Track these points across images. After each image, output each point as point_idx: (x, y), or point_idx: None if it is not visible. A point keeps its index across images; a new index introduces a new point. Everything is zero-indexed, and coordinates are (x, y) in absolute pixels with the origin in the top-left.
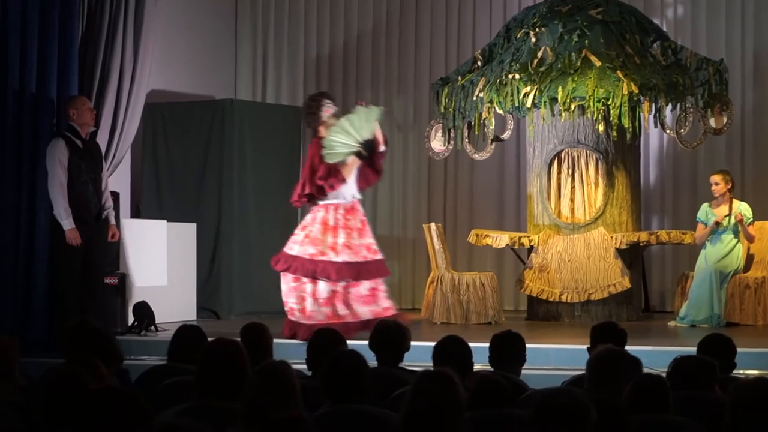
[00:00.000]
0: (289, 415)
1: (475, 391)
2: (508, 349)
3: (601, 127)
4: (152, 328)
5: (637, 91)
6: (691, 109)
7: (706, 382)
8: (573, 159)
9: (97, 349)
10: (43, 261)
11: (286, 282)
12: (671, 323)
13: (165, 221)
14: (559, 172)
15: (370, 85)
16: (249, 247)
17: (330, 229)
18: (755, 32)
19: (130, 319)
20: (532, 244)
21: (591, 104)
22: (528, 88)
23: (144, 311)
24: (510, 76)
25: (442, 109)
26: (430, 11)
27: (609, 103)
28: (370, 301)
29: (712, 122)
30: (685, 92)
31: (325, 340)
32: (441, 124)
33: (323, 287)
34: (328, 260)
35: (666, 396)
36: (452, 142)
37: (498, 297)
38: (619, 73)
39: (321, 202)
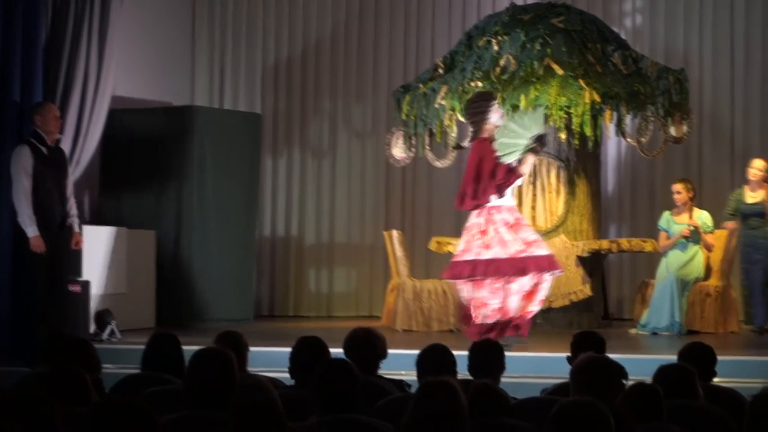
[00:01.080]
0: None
1: (473, 399)
2: (488, 357)
3: (563, 135)
4: (114, 335)
5: (599, 100)
6: (652, 118)
7: (691, 390)
8: (534, 167)
9: (78, 358)
10: (6, 269)
11: (483, 287)
12: (632, 330)
13: (124, 228)
14: None
15: (328, 92)
16: (209, 253)
17: (514, 226)
18: (713, 41)
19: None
20: None
21: (553, 112)
22: None
23: (107, 318)
24: (472, 84)
25: (404, 117)
26: (389, 19)
27: (571, 111)
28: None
29: (673, 131)
30: (646, 101)
31: (309, 348)
32: (402, 132)
33: (527, 281)
34: (532, 255)
35: (660, 404)
36: (413, 149)
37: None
38: (581, 81)
39: (489, 204)
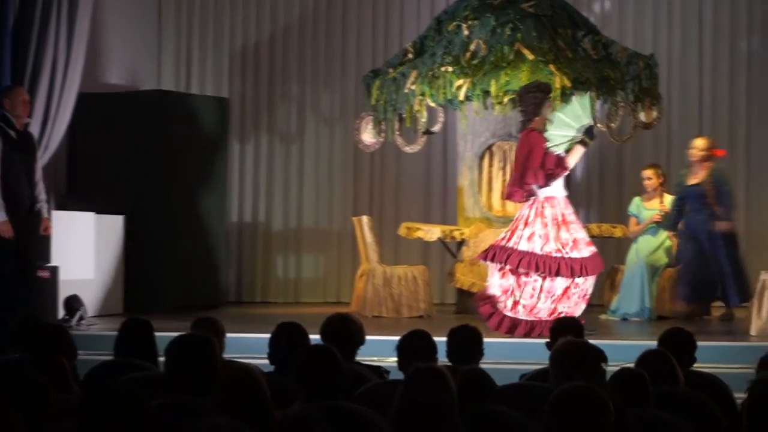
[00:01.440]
0: (297, 415)
1: (462, 386)
2: (467, 343)
3: None
4: (83, 321)
5: (569, 85)
6: (622, 104)
7: (673, 376)
8: (504, 152)
9: (54, 343)
10: None
11: (512, 278)
12: (602, 316)
13: (93, 213)
14: (491, 165)
15: (296, 77)
16: (177, 239)
17: (561, 224)
18: (681, 27)
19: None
20: (463, 237)
21: None
22: (461, 81)
23: (75, 304)
24: (443, 69)
25: (373, 102)
26: (357, 3)
27: None
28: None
29: (642, 116)
30: (616, 86)
31: (289, 334)
32: (372, 117)
33: (560, 283)
34: (569, 257)
35: (647, 389)
36: (383, 134)
37: (430, 290)
38: (551, 66)
39: (542, 196)
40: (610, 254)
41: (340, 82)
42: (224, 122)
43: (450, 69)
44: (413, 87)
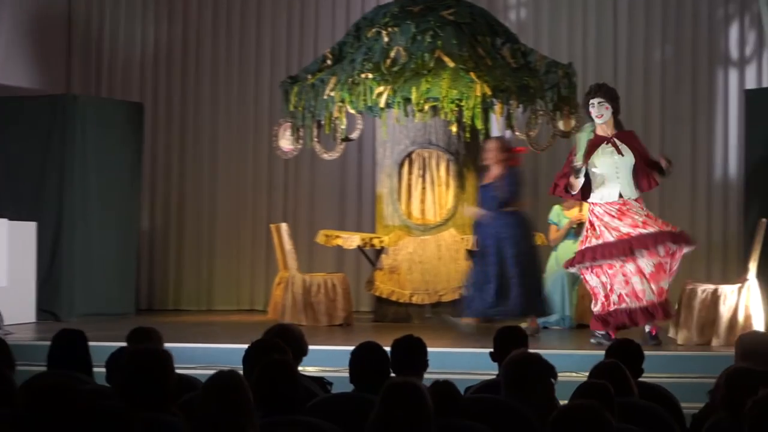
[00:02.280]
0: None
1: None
2: (411, 354)
3: (454, 129)
4: (3, 330)
5: (489, 93)
6: (541, 112)
7: (627, 387)
8: (424, 160)
9: None
10: None
11: (600, 274)
12: (523, 325)
13: (5, 219)
14: (410, 173)
15: (209, 82)
16: (90, 246)
17: (620, 215)
18: (597, 36)
19: None
20: (383, 245)
21: (445, 105)
22: (381, 88)
23: None
24: (363, 76)
25: (292, 108)
26: (272, 7)
27: (462, 104)
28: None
29: (561, 125)
30: (536, 95)
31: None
32: (290, 123)
33: (645, 262)
34: (637, 233)
35: (613, 402)
36: (301, 141)
37: (350, 298)
38: (472, 74)
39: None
40: None
41: (254, 87)
42: (140, 127)
43: (370, 76)
44: (332, 93)
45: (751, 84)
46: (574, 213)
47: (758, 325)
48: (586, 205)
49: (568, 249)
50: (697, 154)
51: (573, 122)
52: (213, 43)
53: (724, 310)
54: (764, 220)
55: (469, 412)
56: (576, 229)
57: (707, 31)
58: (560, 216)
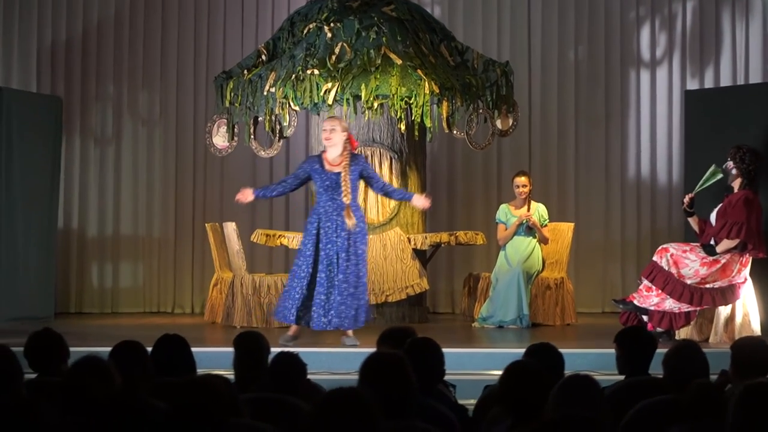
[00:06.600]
0: None
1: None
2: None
3: (403, 126)
4: None
5: (437, 91)
6: (480, 110)
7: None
8: (367, 158)
9: None
10: None
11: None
12: (475, 324)
13: None
14: None
15: (111, 77)
16: (14, 248)
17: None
18: (511, 35)
19: None
20: None
21: (395, 103)
22: (329, 85)
23: None
24: (309, 72)
25: (227, 104)
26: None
27: (411, 102)
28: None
29: (499, 123)
30: (477, 93)
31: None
32: (224, 120)
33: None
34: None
35: (597, 395)
36: (236, 138)
37: None
38: (420, 72)
39: None
40: (458, 261)
41: (160, 83)
42: (58, 123)
43: (317, 72)
44: (273, 90)
45: (662, 86)
46: (522, 212)
47: (755, 322)
48: (533, 205)
49: (518, 247)
50: (610, 155)
51: (510, 121)
52: (116, 35)
53: (722, 308)
54: None
55: None
56: (525, 227)
57: (619, 32)
58: (508, 215)
